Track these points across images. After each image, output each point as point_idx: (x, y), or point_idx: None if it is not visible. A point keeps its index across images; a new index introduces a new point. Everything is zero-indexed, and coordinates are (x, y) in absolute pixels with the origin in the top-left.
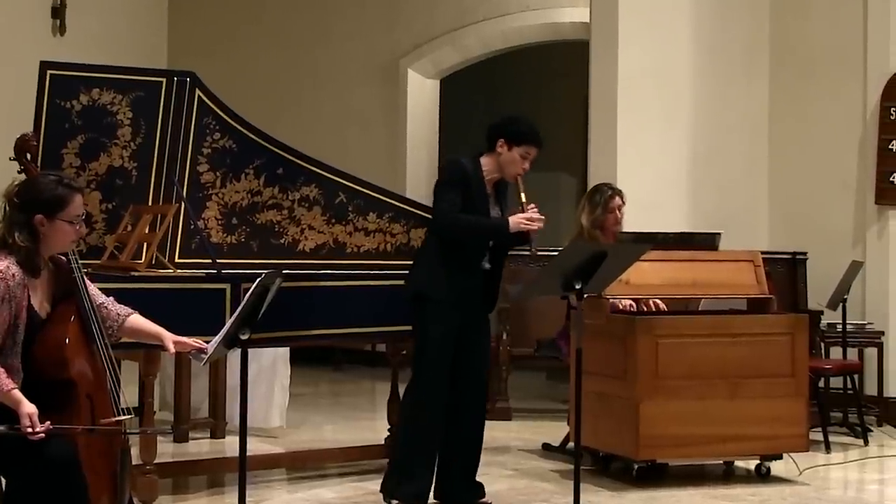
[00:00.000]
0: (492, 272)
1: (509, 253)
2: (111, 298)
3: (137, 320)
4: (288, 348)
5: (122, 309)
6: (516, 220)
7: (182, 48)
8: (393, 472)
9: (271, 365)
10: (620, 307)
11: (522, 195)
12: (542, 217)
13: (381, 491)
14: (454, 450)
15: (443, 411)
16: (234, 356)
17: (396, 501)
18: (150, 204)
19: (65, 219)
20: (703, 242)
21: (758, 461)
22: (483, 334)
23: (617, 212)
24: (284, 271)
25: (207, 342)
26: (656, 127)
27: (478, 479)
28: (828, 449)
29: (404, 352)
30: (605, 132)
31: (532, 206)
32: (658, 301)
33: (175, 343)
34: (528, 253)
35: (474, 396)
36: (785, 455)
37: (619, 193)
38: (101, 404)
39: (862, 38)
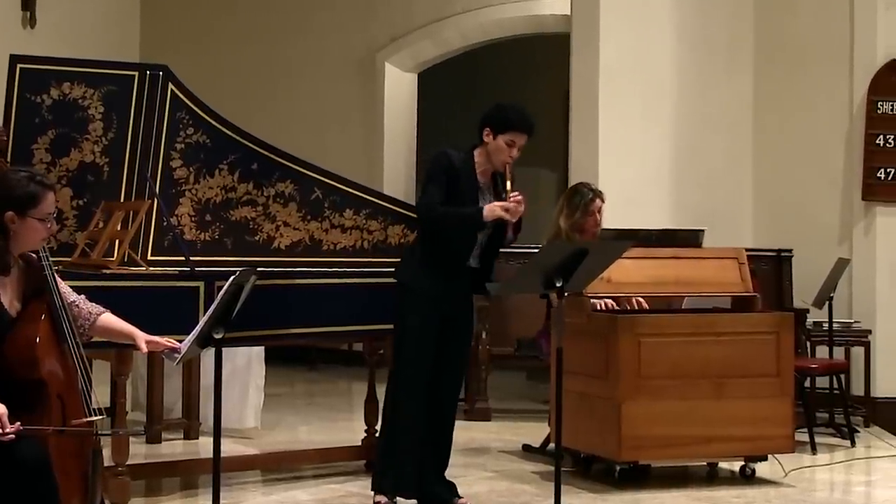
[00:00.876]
0: (481, 270)
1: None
2: (83, 297)
3: (109, 319)
4: (263, 348)
5: (94, 307)
6: (491, 208)
7: (155, 41)
8: (377, 465)
9: (246, 365)
10: (599, 307)
11: (508, 183)
12: (520, 203)
13: (372, 489)
14: (428, 445)
15: (422, 402)
16: (207, 356)
17: (382, 497)
18: (122, 200)
19: (36, 216)
20: (686, 239)
21: (742, 462)
22: (463, 332)
23: (597, 214)
24: (259, 269)
25: (180, 341)
26: (638, 122)
27: (456, 480)
28: (814, 450)
29: (381, 351)
30: (586, 127)
31: (516, 194)
32: (640, 299)
33: (147, 342)
34: (511, 249)
35: (447, 392)
36: (770, 456)
37: (600, 195)
38: (73, 405)
39: (848, 31)
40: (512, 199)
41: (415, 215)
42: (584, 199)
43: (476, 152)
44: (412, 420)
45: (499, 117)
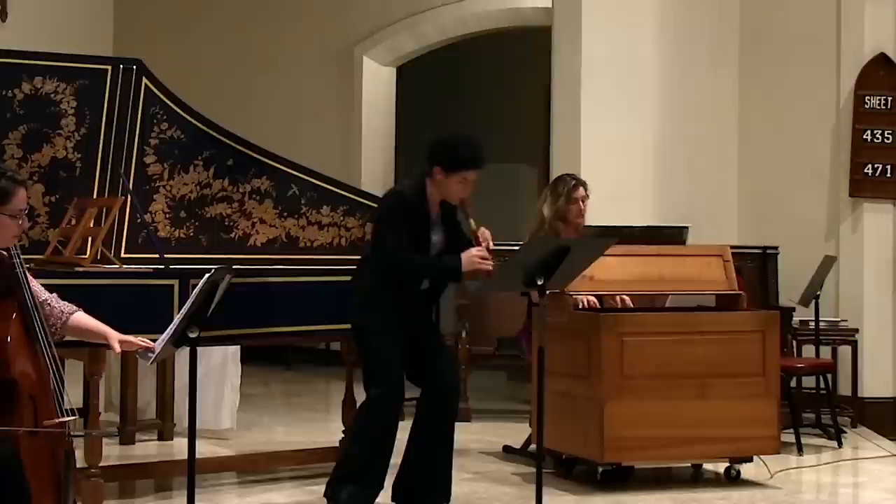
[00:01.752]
0: (431, 289)
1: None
2: (54, 295)
3: (82, 318)
4: (238, 347)
5: (66, 306)
6: (469, 260)
7: (128, 34)
8: (339, 477)
9: (221, 364)
10: (581, 305)
11: (471, 222)
12: (491, 249)
13: (325, 495)
14: (423, 463)
15: (391, 439)
16: (182, 355)
17: None
18: (94, 197)
19: (7, 213)
20: (670, 236)
21: (727, 464)
22: (436, 344)
23: (580, 203)
24: (234, 267)
25: (154, 340)
26: (621, 116)
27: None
28: (800, 451)
29: None
30: (568, 122)
31: (485, 232)
32: (624, 297)
33: (121, 342)
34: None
35: (441, 409)
36: (755, 457)
37: (583, 184)
38: (45, 405)
39: (835, 23)
40: (483, 241)
41: None
42: (568, 186)
43: (427, 183)
44: (378, 461)
45: (448, 157)
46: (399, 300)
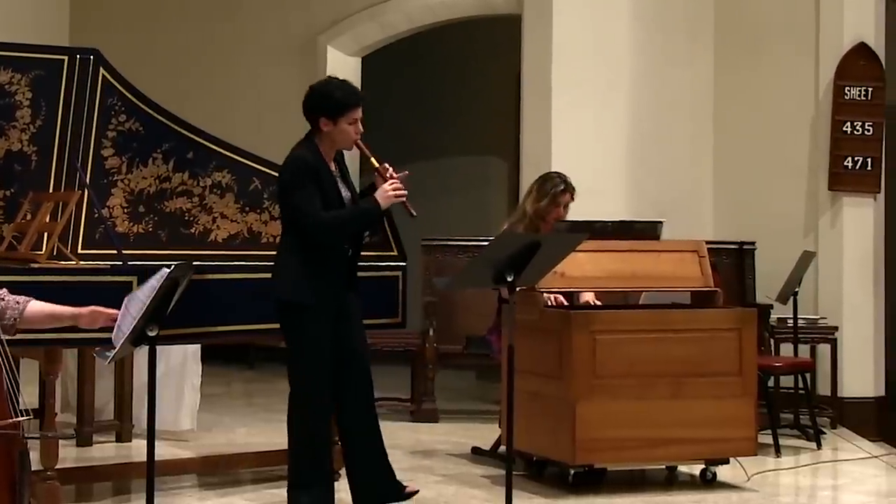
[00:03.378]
0: (354, 254)
1: (433, 243)
2: (4, 290)
3: (38, 304)
4: (199, 345)
5: (19, 298)
6: (385, 196)
7: (85, 24)
8: (291, 487)
9: (181, 363)
10: (549, 302)
11: (373, 160)
12: (405, 174)
13: None
14: (357, 448)
15: (328, 415)
16: (140, 354)
17: None
18: (51, 191)
19: None
20: (644, 231)
21: (703, 466)
22: (355, 320)
23: (562, 209)
24: (195, 263)
25: (112, 340)
26: (593, 107)
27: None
28: (778, 453)
29: None
30: (539, 112)
31: (388, 167)
32: (588, 295)
33: (91, 312)
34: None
35: (361, 388)
36: (732, 459)
37: (572, 190)
38: None
39: (814, 11)
40: (391, 175)
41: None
42: (556, 188)
43: (317, 142)
44: (322, 432)
45: (330, 103)
46: (329, 272)
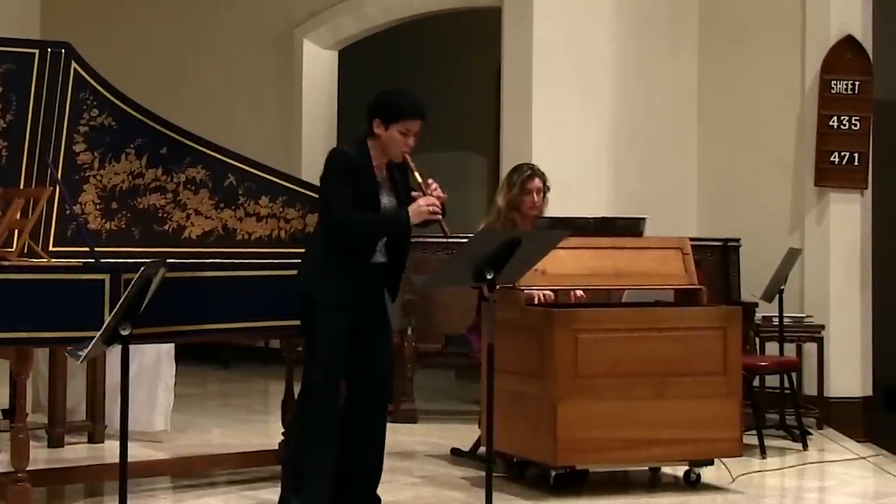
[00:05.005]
0: (390, 265)
1: (413, 240)
2: None
3: None
4: (173, 345)
5: None
6: (418, 211)
7: (56, 16)
8: (288, 486)
9: (154, 363)
10: (538, 299)
11: (417, 175)
12: (445, 196)
13: None
14: (354, 460)
15: (336, 419)
16: (113, 353)
17: None
18: (21, 187)
19: None
20: (627, 228)
21: (687, 467)
22: (381, 335)
23: (535, 195)
24: (169, 260)
25: (85, 339)
26: (575, 102)
27: (380, 486)
28: (763, 454)
29: (300, 348)
30: (519, 108)
31: (432, 183)
32: (580, 292)
33: None
34: (441, 239)
35: (374, 403)
36: (716, 460)
37: (541, 175)
38: None
39: (800, 3)
40: (431, 192)
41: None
42: (522, 175)
43: (369, 144)
44: (326, 441)
45: (387, 107)
46: (351, 273)
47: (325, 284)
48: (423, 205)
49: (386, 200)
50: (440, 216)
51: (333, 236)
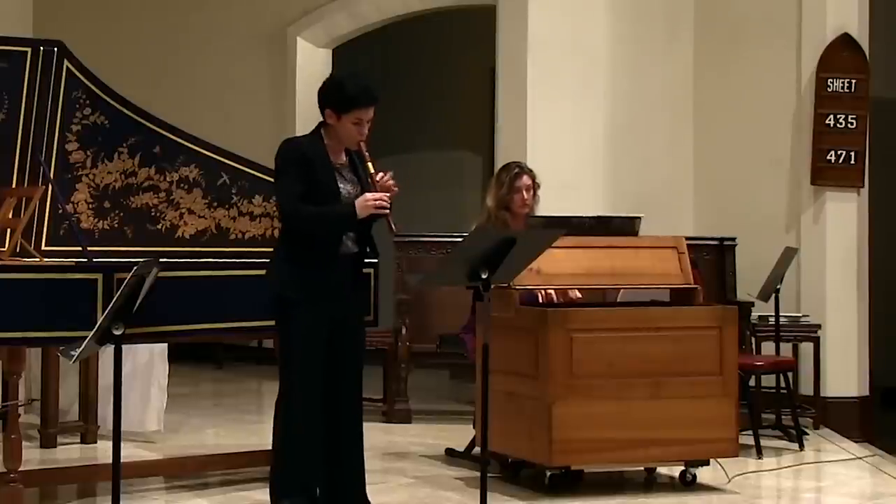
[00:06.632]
0: (360, 254)
1: (406, 240)
2: None
3: None
4: (166, 344)
5: None
6: (364, 205)
7: (49, 14)
8: (275, 488)
9: (147, 363)
10: (541, 299)
11: (369, 165)
12: (396, 191)
13: None
14: (333, 459)
15: (319, 415)
16: (106, 353)
17: None
18: (13, 186)
19: None
20: (622, 227)
21: (682, 468)
22: (354, 329)
23: (524, 192)
24: (162, 260)
25: (77, 339)
26: (570, 99)
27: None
28: (759, 454)
29: None
30: (514, 106)
31: (382, 176)
32: (576, 291)
33: None
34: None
35: (346, 399)
36: (712, 461)
37: (529, 172)
38: None
39: (796, 1)
40: (379, 184)
41: None
42: (511, 174)
43: (323, 132)
44: (313, 432)
45: (338, 96)
46: (320, 266)
47: (295, 280)
48: (369, 199)
49: (348, 188)
50: (387, 211)
51: (289, 229)
